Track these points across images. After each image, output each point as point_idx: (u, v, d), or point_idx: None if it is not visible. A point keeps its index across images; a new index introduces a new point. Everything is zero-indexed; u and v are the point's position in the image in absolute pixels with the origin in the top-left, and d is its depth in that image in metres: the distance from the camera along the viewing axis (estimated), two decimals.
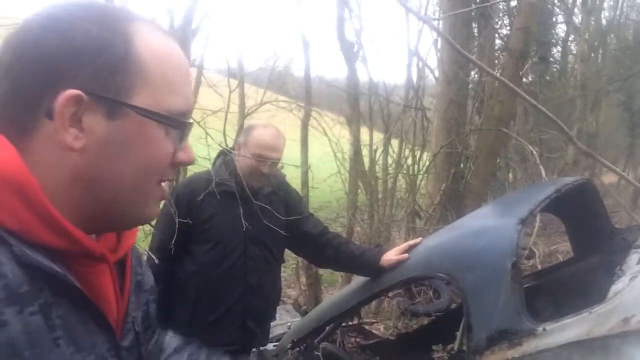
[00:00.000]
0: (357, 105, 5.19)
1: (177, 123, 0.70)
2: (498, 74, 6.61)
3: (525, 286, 2.75)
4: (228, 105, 3.41)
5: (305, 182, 4.73)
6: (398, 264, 2.24)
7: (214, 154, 2.50)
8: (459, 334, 2.60)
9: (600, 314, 1.77)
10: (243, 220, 2.13)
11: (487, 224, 2.26)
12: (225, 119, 3.21)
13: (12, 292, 0.59)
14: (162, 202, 0.90)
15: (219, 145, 2.32)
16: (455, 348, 2.71)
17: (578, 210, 2.78)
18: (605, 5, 13.84)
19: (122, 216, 0.72)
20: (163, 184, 0.74)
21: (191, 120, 0.75)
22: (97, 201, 0.68)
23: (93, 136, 0.66)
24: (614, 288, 1.88)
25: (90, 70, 0.65)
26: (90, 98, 0.64)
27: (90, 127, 0.65)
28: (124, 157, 0.68)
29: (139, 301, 0.85)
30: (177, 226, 2.09)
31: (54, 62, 0.64)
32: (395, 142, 6.36)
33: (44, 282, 0.63)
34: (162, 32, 0.73)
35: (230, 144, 2.45)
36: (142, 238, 2.81)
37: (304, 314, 4.23)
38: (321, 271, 5.17)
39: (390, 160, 6.01)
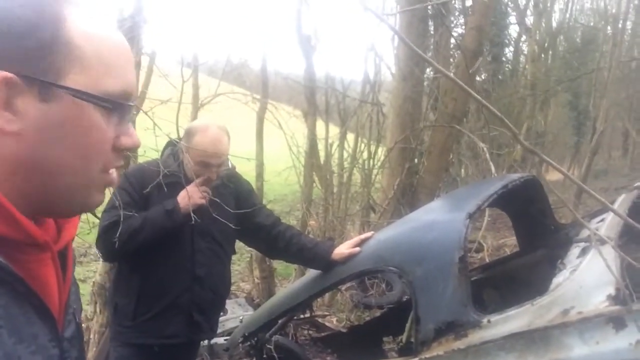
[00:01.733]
0: (314, 98, 5.20)
1: (113, 104, 0.68)
2: (452, 72, 6.76)
3: (473, 279, 2.84)
4: (181, 96, 3.34)
5: (259, 175, 4.71)
6: (350, 257, 2.26)
7: (162, 145, 2.44)
8: (407, 325, 2.65)
9: (541, 305, 1.84)
10: (192, 213, 2.09)
11: (436, 218, 2.30)
12: (178, 109, 3.15)
13: None
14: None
15: (167, 135, 2.26)
16: (404, 339, 2.76)
17: (524, 206, 2.87)
18: (556, 8, 14.33)
19: (65, 203, 0.70)
20: (110, 171, 0.72)
21: (131, 103, 0.72)
22: (40, 187, 0.66)
23: (28, 120, 0.64)
24: (556, 281, 1.96)
25: (20, 53, 0.64)
26: (22, 80, 0.63)
27: (24, 111, 0.64)
28: (62, 141, 0.66)
29: (77, 293, 0.84)
30: (121, 219, 2.04)
31: None
32: (351, 137, 6.40)
33: None
34: (96, 16, 0.71)
35: (182, 134, 2.40)
36: (87, 231, 2.73)
37: (256, 307, 4.22)
38: (275, 264, 5.16)
39: (345, 155, 6.04)
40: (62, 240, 0.75)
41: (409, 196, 5.94)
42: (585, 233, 2.45)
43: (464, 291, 1.92)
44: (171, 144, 2.39)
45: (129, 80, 0.71)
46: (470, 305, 1.91)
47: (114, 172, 0.73)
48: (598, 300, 1.73)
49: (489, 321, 1.87)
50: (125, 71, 0.71)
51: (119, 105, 0.70)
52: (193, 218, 2.09)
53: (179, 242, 2.22)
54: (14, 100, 0.64)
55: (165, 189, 2.16)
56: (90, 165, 0.69)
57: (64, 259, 0.77)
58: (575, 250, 2.27)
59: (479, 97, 1.31)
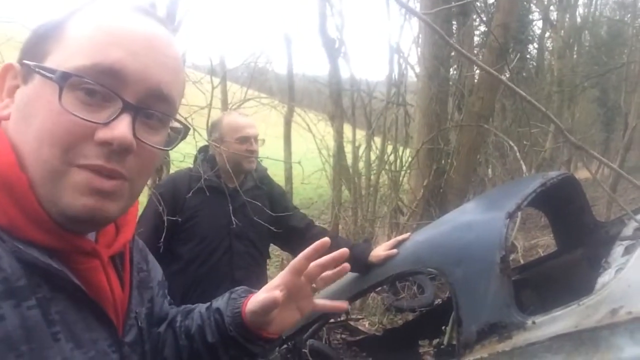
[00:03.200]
0: (340, 101, 5.19)
1: (61, 75, 0.61)
2: (477, 71, 6.68)
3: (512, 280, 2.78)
4: (211, 102, 3.37)
5: (288, 178, 4.72)
6: (387, 259, 2.24)
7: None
8: (448, 327, 2.61)
9: (588, 306, 1.79)
10: (232, 216, 2.11)
11: (475, 218, 2.27)
12: (209, 116, 3.18)
13: (9, 285, 0.58)
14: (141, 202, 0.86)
15: (207, 141, 2.30)
16: (445, 342, 2.72)
17: (562, 204, 2.81)
18: (580, 2, 14.06)
19: (43, 200, 0.63)
20: (86, 164, 0.62)
21: (78, 75, 0.62)
22: (31, 183, 0.63)
23: (15, 103, 0.66)
24: (601, 280, 1.91)
25: (27, 44, 0.67)
26: (20, 67, 0.66)
27: (16, 95, 0.66)
28: (24, 121, 0.63)
29: (142, 297, 0.84)
30: (164, 224, 2.06)
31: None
32: (378, 140, 6.37)
33: (42, 278, 0.61)
34: (120, 8, 0.67)
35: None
36: None
37: None
38: None
39: (373, 157, 6.02)
40: (117, 244, 0.75)
41: (437, 197, 5.89)
42: (628, 231, 2.39)
43: (507, 292, 1.89)
44: (203, 150, 2.41)
45: (109, 59, 0.62)
46: (513, 306, 1.87)
47: (93, 176, 0.63)
48: None
49: (533, 322, 1.83)
50: (106, 50, 0.63)
51: (65, 77, 0.61)
52: (232, 221, 2.10)
53: (217, 245, 2.24)
54: (16, 88, 0.66)
55: (207, 193, 2.19)
56: (44, 150, 0.62)
57: (124, 261, 0.78)
58: (618, 249, 2.21)
59: (521, 92, 1.28)
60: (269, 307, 0.83)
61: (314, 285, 0.88)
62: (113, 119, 0.63)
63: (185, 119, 2.31)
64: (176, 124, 0.72)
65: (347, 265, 0.88)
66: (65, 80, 0.61)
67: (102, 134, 0.62)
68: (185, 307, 0.97)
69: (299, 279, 0.86)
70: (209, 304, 0.93)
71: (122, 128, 0.63)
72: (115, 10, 0.66)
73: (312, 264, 0.86)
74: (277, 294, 0.83)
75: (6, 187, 0.61)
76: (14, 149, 0.63)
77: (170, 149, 0.73)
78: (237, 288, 0.92)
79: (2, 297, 0.57)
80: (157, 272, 0.93)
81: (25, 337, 0.58)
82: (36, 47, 0.66)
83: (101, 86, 0.62)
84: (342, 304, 0.91)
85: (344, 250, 0.86)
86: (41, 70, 0.62)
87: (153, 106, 0.66)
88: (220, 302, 0.91)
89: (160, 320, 0.92)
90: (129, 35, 0.64)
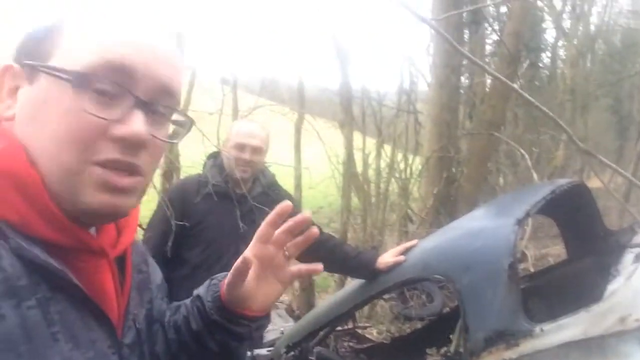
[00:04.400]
0: (350, 108, 5.20)
1: (72, 75, 0.62)
2: (488, 79, 6.67)
3: (520, 288, 2.76)
4: (222, 108, 3.40)
5: (298, 186, 4.73)
6: (395, 265, 2.23)
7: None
8: (455, 335, 2.60)
9: (597, 313, 1.77)
10: (239, 221, 2.12)
11: (483, 224, 2.26)
12: (219, 122, 3.21)
13: (10, 285, 0.58)
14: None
15: (216, 146, 2.32)
16: (452, 350, 2.70)
17: (572, 212, 2.79)
18: (594, 11, 13.98)
19: (60, 198, 0.64)
20: (102, 160, 0.63)
21: (92, 74, 0.63)
22: (43, 181, 0.64)
23: (19, 103, 0.66)
24: (610, 288, 1.88)
25: (24, 45, 0.67)
26: (21, 68, 0.67)
27: (20, 96, 0.66)
28: (34, 122, 0.64)
29: (142, 298, 0.84)
30: (173, 229, 2.07)
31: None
32: (388, 148, 6.36)
33: (42, 277, 0.62)
34: (116, 8, 0.68)
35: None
36: None
37: (297, 318, 4.21)
38: (314, 276, 5.14)
39: (383, 164, 6.02)
40: (121, 245, 0.75)
41: (448, 206, 5.87)
42: (638, 239, 2.37)
43: (515, 299, 1.87)
44: (213, 156, 2.43)
45: (118, 57, 0.63)
46: (521, 314, 1.86)
47: (105, 172, 0.64)
48: None
49: (541, 330, 1.81)
50: (114, 48, 0.64)
51: (81, 77, 0.62)
52: (240, 226, 2.11)
53: (224, 250, 2.24)
54: (17, 88, 0.67)
55: (215, 198, 2.20)
56: (62, 150, 0.63)
57: (123, 264, 0.77)
58: (629, 257, 2.19)
59: (531, 98, 1.28)
60: (241, 270, 0.79)
61: (287, 253, 0.84)
62: (127, 115, 0.64)
63: (195, 124, 2.32)
64: (179, 117, 0.73)
65: (315, 229, 0.83)
66: (80, 80, 0.62)
67: (117, 130, 0.64)
68: (175, 303, 0.97)
69: (268, 248, 0.83)
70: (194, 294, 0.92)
71: (138, 124, 0.64)
72: (114, 10, 0.68)
73: (278, 231, 0.82)
74: (246, 253, 0.81)
75: (19, 184, 0.62)
76: (25, 149, 0.64)
77: (177, 142, 0.75)
78: (217, 275, 0.89)
79: (3, 297, 0.57)
80: (156, 274, 0.92)
81: (25, 337, 0.58)
82: (37, 47, 0.66)
83: (114, 84, 0.63)
84: (317, 266, 0.84)
85: (305, 214, 0.82)
86: (51, 71, 0.63)
87: (161, 101, 0.68)
88: (201, 289, 0.90)
89: (158, 321, 0.92)
90: (132, 32, 0.66)
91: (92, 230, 0.72)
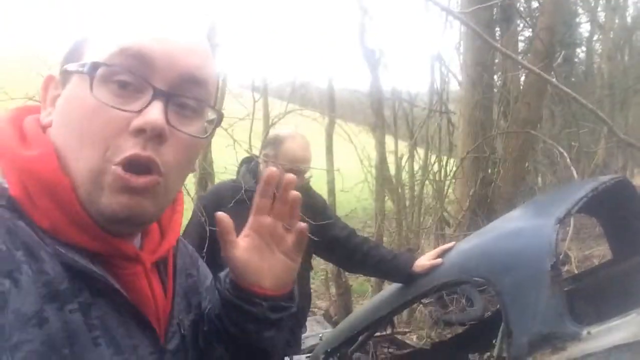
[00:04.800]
0: (381, 111, 5.17)
1: (89, 66, 0.63)
2: (523, 77, 6.53)
3: (564, 290, 2.67)
4: (253, 113, 3.42)
5: (331, 190, 4.71)
6: (432, 268, 2.18)
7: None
8: (497, 339, 2.52)
9: None
10: None
11: (523, 224, 2.19)
12: (251, 128, 3.22)
13: (52, 289, 0.59)
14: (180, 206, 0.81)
15: (247, 151, 2.31)
16: (495, 355, 2.62)
17: (616, 210, 2.68)
18: (630, 1, 13.57)
19: (83, 200, 0.63)
20: (119, 159, 0.62)
21: (108, 63, 0.63)
22: (74, 185, 0.64)
23: (55, 110, 0.67)
24: None
25: (66, 54, 0.69)
26: (60, 77, 0.68)
27: (57, 102, 0.68)
28: (65, 121, 0.65)
29: (189, 303, 0.82)
30: (207, 235, 2.08)
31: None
32: (421, 150, 6.29)
33: (83, 282, 0.62)
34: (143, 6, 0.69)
35: (255, 152, 2.45)
36: None
37: (335, 324, 4.18)
38: (351, 281, 5.11)
39: (416, 167, 5.94)
40: (161, 250, 0.74)
41: (484, 207, 5.75)
42: None
43: (559, 301, 1.80)
44: (246, 161, 2.43)
45: (137, 43, 0.64)
46: (567, 316, 1.79)
47: (123, 173, 0.63)
48: None
49: (589, 333, 1.74)
50: (134, 40, 0.64)
51: (95, 67, 0.63)
52: None
53: None
54: (57, 97, 0.68)
55: (248, 203, 2.20)
56: (84, 146, 0.63)
57: (167, 268, 0.77)
58: None
59: (569, 90, 1.23)
60: (224, 226, 0.77)
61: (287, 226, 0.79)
62: (145, 107, 0.63)
63: (226, 130, 2.33)
64: (211, 116, 0.71)
65: (289, 175, 0.77)
66: (94, 70, 0.62)
67: (136, 121, 0.63)
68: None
69: (265, 220, 0.78)
70: None
71: (153, 112, 0.63)
72: (139, 7, 0.68)
73: (273, 202, 0.78)
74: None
75: (50, 191, 0.62)
76: (58, 154, 0.64)
77: (205, 137, 0.72)
78: None
79: (46, 300, 0.57)
80: (207, 277, 0.91)
81: (67, 341, 0.58)
82: (73, 53, 0.68)
83: (131, 73, 0.63)
84: (301, 225, 0.79)
85: (288, 175, 0.76)
86: (73, 68, 0.65)
87: (186, 92, 0.66)
88: (223, 272, 0.85)
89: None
90: (154, 23, 0.66)
91: (138, 237, 0.73)
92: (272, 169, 0.77)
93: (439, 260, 2.19)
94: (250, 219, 0.80)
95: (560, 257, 5.84)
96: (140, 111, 0.63)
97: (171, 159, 0.66)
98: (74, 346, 0.59)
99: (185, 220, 2.31)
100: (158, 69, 0.64)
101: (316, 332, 4.05)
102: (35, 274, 0.58)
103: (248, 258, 0.77)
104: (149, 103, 0.63)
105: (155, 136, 0.63)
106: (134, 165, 0.63)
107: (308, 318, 4.11)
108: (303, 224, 0.79)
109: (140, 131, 0.63)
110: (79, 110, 0.64)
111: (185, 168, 0.71)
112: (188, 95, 0.67)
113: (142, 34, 0.64)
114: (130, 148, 0.63)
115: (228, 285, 0.79)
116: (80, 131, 0.63)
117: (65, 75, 0.67)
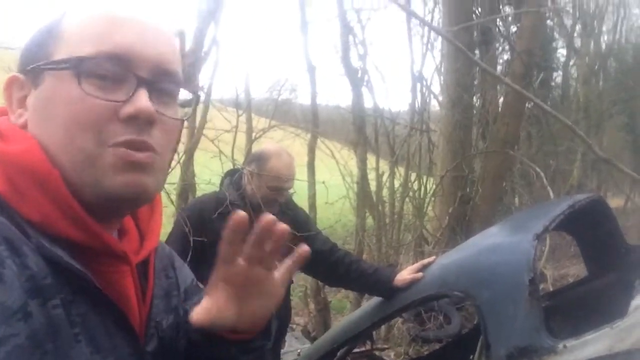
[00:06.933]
0: (364, 128, 5.22)
1: (72, 63, 0.64)
2: (502, 98, 6.67)
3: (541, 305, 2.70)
4: (236, 127, 3.43)
5: (312, 205, 4.72)
6: (412, 282, 2.21)
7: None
8: (476, 352, 2.55)
9: (622, 328, 1.73)
10: None
11: (501, 240, 2.23)
12: (234, 142, 3.23)
13: (36, 283, 0.58)
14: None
15: (232, 162, 2.32)
16: None
17: (591, 228, 2.74)
18: (604, 28, 14.00)
19: (83, 187, 0.64)
20: (118, 141, 0.64)
21: (91, 57, 0.64)
22: (64, 178, 0.64)
23: (29, 108, 0.68)
24: (635, 303, 1.85)
25: (26, 53, 0.69)
26: (24, 76, 0.69)
27: (28, 102, 0.68)
28: (47, 119, 0.66)
29: (168, 305, 0.81)
30: (191, 246, 2.07)
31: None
32: (401, 167, 6.34)
33: (65, 278, 0.61)
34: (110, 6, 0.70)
35: (238, 166, 2.46)
36: None
37: (313, 340, 4.16)
38: (330, 297, 5.10)
39: (397, 184, 6.00)
40: (144, 250, 0.74)
41: (463, 225, 5.82)
42: None
43: (537, 315, 1.84)
44: (230, 173, 2.43)
45: (113, 42, 0.65)
46: (543, 330, 1.82)
47: (122, 152, 0.64)
48: None
49: (565, 346, 1.77)
50: (109, 35, 0.66)
51: (75, 61, 0.64)
52: None
53: None
54: (24, 97, 0.68)
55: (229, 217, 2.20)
56: (76, 138, 0.64)
57: (146, 270, 0.76)
58: None
59: (548, 108, 1.28)
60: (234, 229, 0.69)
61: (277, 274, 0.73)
62: (132, 95, 0.65)
63: (212, 141, 2.34)
64: (184, 96, 0.74)
65: (305, 248, 0.71)
66: (80, 64, 0.64)
67: (127, 109, 0.65)
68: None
69: (237, 267, 0.70)
70: None
71: (143, 99, 0.65)
72: (106, 3, 0.70)
73: (245, 246, 0.69)
74: (211, 280, 0.72)
75: (40, 183, 0.62)
76: (42, 149, 0.65)
77: (187, 119, 0.76)
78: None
79: (30, 294, 0.57)
80: (186, 277, 0.89)
81: (50, 336, 0.58)
82: (37, 52, 0.68)
83: (113, 65, 0.65)
84: (302, 248, 0.71)
85: (267, 217, 0.68)
86: (53, 66, 0.65)
87: (163, 79, 0.69)
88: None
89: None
90: (124, 20, 0.67)
91: (115, 235, 0.72)
92: (240, 212, 0.67)
93: (420, 274, 2.22)
94: (220, 272, 0.72)
95: (537, 273, 5.92)
96: (126, 100, 0.65)
97: (160, 140, 0.68)
98: (57, 341, 0.58)
99: (165, 230, 2.30)
100: (137, 59, 0.66)
101: (294, 347, 4.03)
102: (19, 268, 0.58)
103: (228, 311, 0.72)
104: (135, 91, 0.65)
105: (147, 122, 0.65)
106: (129, 146, 0.65)
107: (287, 334, 4.10)
108: (305, 248, 0.72)
109: (132, 118, 0.64)
110: (64, 104, 0.64)
111: (172, 150, 0.75)
112: (165, 82, 0.69)
113: (115, 33, 0.66)
114: (123, 134, 0.65)
115: (191, 328, 0.75)
116: (69, 122, 0.64)
117: (35, 74, 0.67)
